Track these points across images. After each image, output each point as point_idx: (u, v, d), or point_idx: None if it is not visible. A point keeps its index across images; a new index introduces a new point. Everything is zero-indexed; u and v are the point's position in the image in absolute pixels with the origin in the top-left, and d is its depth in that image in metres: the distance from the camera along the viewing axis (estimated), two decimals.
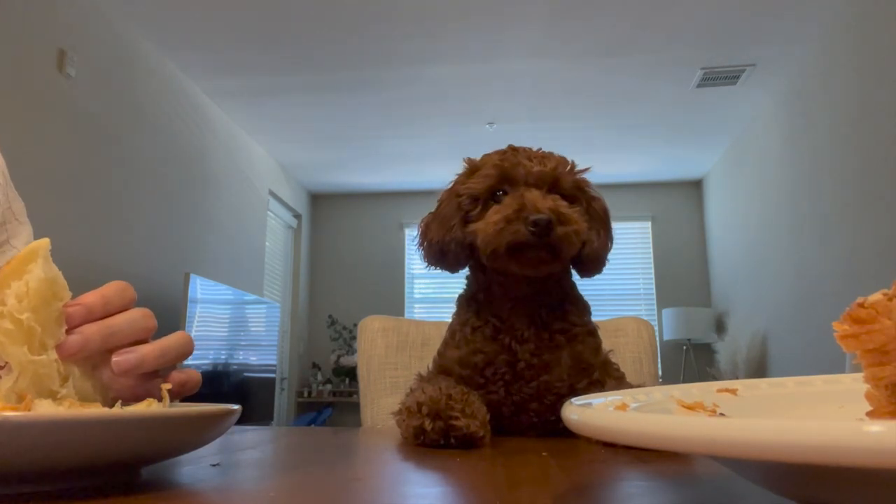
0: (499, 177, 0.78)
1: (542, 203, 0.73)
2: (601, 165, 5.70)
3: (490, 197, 0.79)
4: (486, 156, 0.83)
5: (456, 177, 0.85)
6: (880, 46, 3.01)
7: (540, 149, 0.83)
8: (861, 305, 0.30)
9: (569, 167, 0.81)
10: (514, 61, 3.87)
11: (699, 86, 4.14)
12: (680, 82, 4.11)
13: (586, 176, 0.83)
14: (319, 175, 6.05)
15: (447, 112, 4.59)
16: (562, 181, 0.79)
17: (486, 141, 4.93)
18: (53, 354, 0.41)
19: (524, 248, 0.74)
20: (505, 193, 0.78)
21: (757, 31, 3.51)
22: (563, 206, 0.75)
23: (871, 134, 3.12)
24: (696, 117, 4.73)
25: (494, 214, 0.76)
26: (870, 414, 0.31)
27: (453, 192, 0.83)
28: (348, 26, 3.48)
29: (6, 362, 0.40)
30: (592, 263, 0.82)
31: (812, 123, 3.78)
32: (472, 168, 0.83)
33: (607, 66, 3.92)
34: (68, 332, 0.42)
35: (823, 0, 3.23)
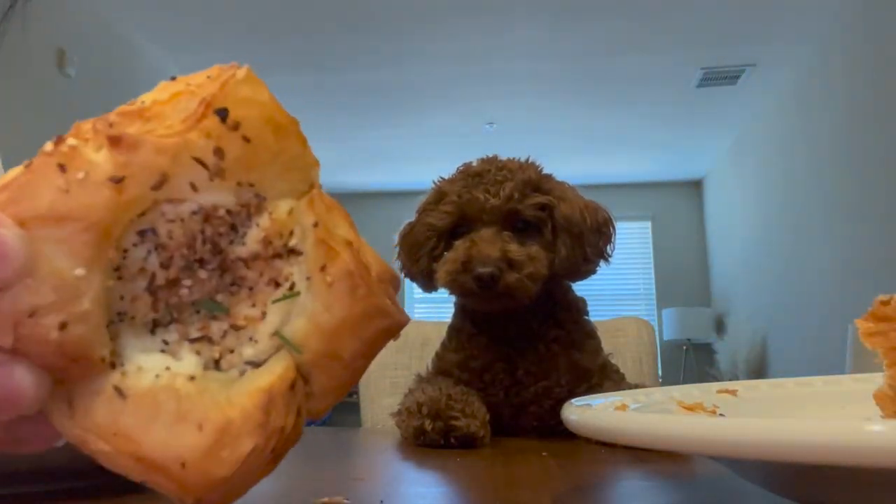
0: (457, 214, 0.77)
1: (490, 251, 0.72)
2: (601, 165, 5.72)
3: (451, 234, 0.79)
4: (450, 181, 0.80)
5: (424, 201, 0.83)
6: (880, 46, 3.01)
7: (508, 161, 0.80)
8: (885, 303, 0.29)
9: (531, 183, 0.77)
10: (514, 61, 3.87)
11: (699, 86, 4.14)
12: (680, 82, 4.11)
13: (553, 174, 0.80)
14: (319, 175, 6.04)
15: (447, 112, 4.58)
16: (521, 212, 0.76)
17: (486, 141, 4.93)
18: None
19: (475, 296, 0.74)
20: (465, 230, 0.77)
21: (757, 31, 3.50)
22: (513, 250, 0.73)
23: (871, 134, 3.12)
24: (696, 117, 4.72)
25: (446, 263, 0.75)
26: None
27: (419, 221, 0.82)
28: (348, 26, 3.48)
29: None
30: (570, 276, 0.80)
31: (812, 123, 3.78)
32: (439, 195, 0.80)
33: (607, 66, 3.92)
34: None
35: (823, 0, 3.23)
